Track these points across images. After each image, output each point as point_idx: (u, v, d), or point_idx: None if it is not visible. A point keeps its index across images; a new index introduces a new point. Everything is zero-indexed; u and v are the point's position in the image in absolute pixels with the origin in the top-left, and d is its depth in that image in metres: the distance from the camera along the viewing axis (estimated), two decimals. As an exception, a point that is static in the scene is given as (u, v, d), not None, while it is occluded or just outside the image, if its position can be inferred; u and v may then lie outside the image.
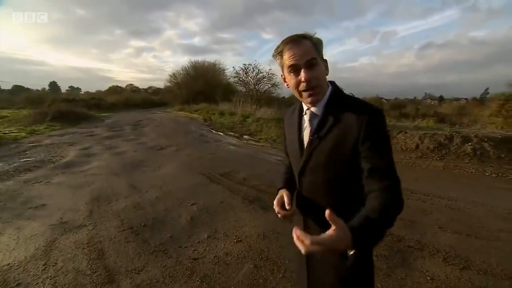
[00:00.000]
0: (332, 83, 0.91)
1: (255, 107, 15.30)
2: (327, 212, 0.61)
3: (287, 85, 0.89)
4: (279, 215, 0.95)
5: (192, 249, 2.40)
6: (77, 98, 24.09)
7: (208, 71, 26.69)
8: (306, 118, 0.91)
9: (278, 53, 0.86)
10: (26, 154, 6.24)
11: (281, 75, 0.92)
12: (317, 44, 0.84)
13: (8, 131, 9.63)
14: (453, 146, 5.30)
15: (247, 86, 19.67)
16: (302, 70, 0.80)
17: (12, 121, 13.08)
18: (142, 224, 2.83)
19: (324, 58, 0.87)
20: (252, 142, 8.04)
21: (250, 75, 19.16)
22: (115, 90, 40.09)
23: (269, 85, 19.31)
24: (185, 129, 10.72)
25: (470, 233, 2.58)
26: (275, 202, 0.97)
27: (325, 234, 0.61)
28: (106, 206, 3.31)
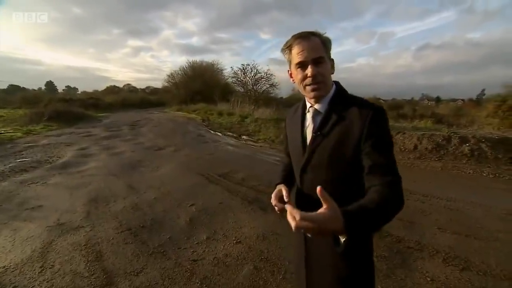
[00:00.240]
0: (337, 83, 0.92)
1: (253, 107, 15.31)
2: (318, 188, 0.60)
3: (293, 80, 0.91)
4: (276, 208, 0.96)
5: (191, 250, 2.38)
6: (74, 98, 23.92)
7: (206, 71, 26.65)
8: (309, 115, 0.92)
9: (287, 47, 0.87)
10: (22, 154, 6.17)
11: (288, 70, 0.93)
12: (325, 42, 0.85)
13: (4, 131, 9.53)
14: (451, 147, 5.33)
15: (245, 86, 19.67)
16: (309, 66, 0.82)
17: (8, 121, 12.95)
18: (141, 225, 2.80)
19: (331, 57, 0.88)
20: (251, 143, 8.03)
21: (248, 75, 19.17)
22: (112, 90, 39.84)
23: (267, 86, 19.33)
24: (183, 129, 10.68)
25: (469, 233, 2.59)
26: (272, 196, 0.97)
27: (316, 212, 0.60)
28: (104, 207, 3.27)
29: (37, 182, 4.21)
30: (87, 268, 2.12)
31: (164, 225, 2.83)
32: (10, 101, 24.55)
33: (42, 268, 2.11)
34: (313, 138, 0.88)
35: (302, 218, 0.57)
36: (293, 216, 0.59)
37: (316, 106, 0.89)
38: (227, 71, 26.08)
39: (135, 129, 10.73)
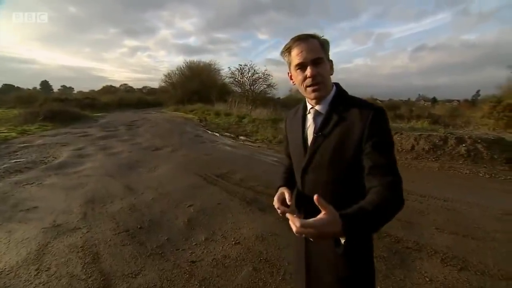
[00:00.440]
0: (337, 84, 0.92)
1: (250, 107, 15.30)
2: (315, 197, 0.62)
3: (293, 82, 0.92)
4: (279, 211, 0.96)
5: (190, 251, 2.36)
6: (69, 98, 23.71)
7: (204, 71, 26.58)
8: (310, 116, 0.93)
9: (287, 49, 0.88)
10: (17, 154, 6.10)
11: (288, 73, 0.94)
12: (324, 44, 0.87)
13: (-2, 131, 9.40)
14: (448, 147, 5.37)
15: (242, 87, 19.67)
16: (308, 66, 0.83)
17: (2, 120, 12.78)
18: (138, 227, 2.78)
19: (330, 59, 0.89)
20: (248, 143, 8.02)
21: (246, 76, 19.17)
22: (109, 90, 39.60)
23: (265, 86, 19.35)
24: (181, 130, 10.64)
25: (467, 234, 2.61)
26: (275, 199, 0.97)
27: (315, 218, 0.62)
28: (101, 208, 3.24)
29: (32, 183, 4.16)
30: (84, 270, 2.09)
31: (162, 226, 2.81)
32: (4, 101, 24.26)
33: (38, 271, 2.07)
34: (314, 139, 0.88)
35: (302, 226, 0.61)
36: (294, 224, 0.62)
37: (317, 107, 0.89)
38: (225, 71, 26.04)
39: (132, 129, 10.66)
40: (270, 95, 19.97)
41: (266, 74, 18.96)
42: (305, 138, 0.93)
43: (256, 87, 19.35)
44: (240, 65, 19.41)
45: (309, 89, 0.86)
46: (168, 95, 26.55)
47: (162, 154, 6.33)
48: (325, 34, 0.88)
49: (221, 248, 2.42)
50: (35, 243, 2.46)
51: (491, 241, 2.48)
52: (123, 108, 24.13)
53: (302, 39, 0.85)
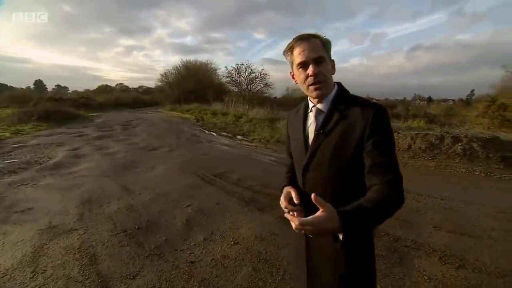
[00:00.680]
0: (339, 83, 0.93)
1: (247, 107, 15.27)
2: (312, 196, 0.67)
3: (295, 81, 0.93)
4: (286, 210, 0.94)
5: (189, 252, 2.34)
6: (64, 97, 23.47)
7: (200, 70, 26.43)
8: (311, 115, 0.93)
9: (289, 49, 0.89)
10: (10, 155, 6.00)
11: (290, 72, 0.95)
12: (325, 44, 0.88)
13: (-9, 131, 9.25)
14: (444, 146, 5.42)
15: (239, 86, 19.66)
16: (310, 65, 0.84)
17: (-5, 120, 12.57)
18: (136, 227, 2.75)
19: (332, 58, 0.90)
20: (246, 143, 8.01)
21: (243, 75, 19.16)
22: (104, 89, 39.18)
23: (262, 85, 19.37)
24: (177, 129, 10.58)
25: (464, 232, 2.63)
26: (282, 198, 0.96)
27: (313, 215, 0.67)
28: (98, 209, 3.20)
29: (26, 184, 4.09)
30: (81, 272, 2.06)
31: (160, 226, 2.79)
32: (-3, 100, 23.86)
33: (34, 273, 2.04)
34: (315, 137, 0.89)
35: (300, 223, 0.66)
36: (293, 222, 0.68)
37: (319, 105, 0.90)
38: (221, 71, 25.90)
39: (128, 129, 10.57)
40: (267, 94, 20.03)
41: (263, 74, 19.02)
42: (306, 137, 0.94)
43: (253, 87, 19.38)
44: (237, 64, 19.44)
45: (311, 87, 0.86)
46: (165, 94, 26.37)
47: (159, 154, 6.28)
48: (322, 34, 0.89)
49: (220, 248, 2.40)
50: (30, 245, 2.42)
51: (488, 239, 2.51)
52: (119, 107, 23.92)
53: (304, 39, 0.85)
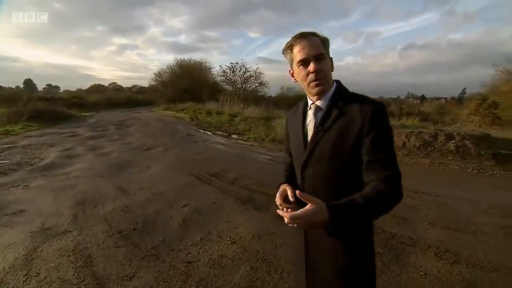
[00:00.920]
0: (337, 81, 0.94)
1: (242, 106, 15.23)
2: (297, 192, 0.72)
3: (295, 79, 0.94)
4: (280, 207, 0.94)
5: (186, 252, 2.32)
6: (55, 97, 23.00)
7: (194, 69, 26.21)
8: (310, 112, 0.94)
9: (289, 47, 0.90)
10: (0, 156, 5.85)
11: (289, 70, 0.96)
12: (325, 42, 0.90)
13: (-20, 131, 9.01)
14: (438, 144, 5.50)
15: (234, 85, 19.62)
16: (311, 62, 0.85)
17: (-16, 121, 12.25)
18: (132, 228, 2.71)
19: (330, 56, 0.92)
20: (241, 142, 8.00)
21: (237, 74, 19.11)
22: (97, 88, 38.48)
23: (256, 84, 19.36)
24: (172, 129, 10.49)
25: (458, 228, 2.68)
26: (277, 195, 0.96)
27: (302, 209, 0.70)
28: (92, 210, 3.15)
29: (17, 185, 4.00)
30: (76, 274, 2.02)
31: (156, 227, 2.76)
32: (-15, 100, 23.25)
33: (27, 277, 1.99)
34: (314, 133, 0.90)
35: (291, 217, 0.70)
36: (285, 218, 0.71)
37: (318, 102, 0.91)
38: (216, 70, 25.68)
39: (122, 129, 10.43)
40: (262, 93, 20.03)
41: (258, 73, 19.01)
42: (305, 134, 0.94)
43: (248, 86, 19.36)
44: (231, 63, 19.38)
45: (312, 84, 0.87)
46: (159, 94, 26.05)
47: (154, 153, 6.22)
48: (320, 33, 0.90)
49: (217, 248, 2.39)
50: (22, 248, 2.36)
51: (481, 234, 2.56)
52: (112, 107, 23.57)
53: (303, 36, 0.87)
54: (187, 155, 5.96)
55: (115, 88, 43.59)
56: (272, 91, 22.21)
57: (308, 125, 0.94)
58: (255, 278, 1.99)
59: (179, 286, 1.91)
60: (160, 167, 4.98)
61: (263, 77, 19.26)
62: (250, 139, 8.24)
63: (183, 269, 2.09)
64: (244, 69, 19.03)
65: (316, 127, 0.89)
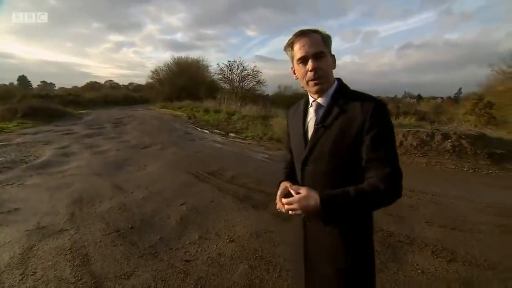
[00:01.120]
0: (339, 79, 0.94)
1: (240, 104, 15.18)
2: (288, 185, 0.85)
3: (296, 76, 0.94)
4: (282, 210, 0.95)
5: (184, 250, 2.32)
6: (51, 94, 22.68)
7: (192, 67, 25.99)
8: (311, 109, 0.94)
9: (289, 44, 0.90)
10: (-5, 154, 5.77)
11: (291, 67, 0.95)
12: (326, 39, 0.89)
13: (-27, 129, 8.87)
14: (434, 143, 5.54)
15: (231, 83, 19.55)
16: (310, 60, 0.85)
17: (-23, 118, 12.06)
18: (129, 226, 2.70)
19: (332, 53, 0.91)
20: (239, 140, 7.98)
21: (235, 72, 19.05)
22: (93, 86, 38.14)
23: (254, 83, 19.31)
24: (169, 127, 10.43)
25: (454, 226, 2.70)
26: (278, 194, 0.95)
27: (296, 195, 0.80)
28: (89, 208, 3.12)
29: (12, 184, 3.94)
30: (73, 273, 2.00)
31: (154, 225, 2.74)
32: (-22, 97, 22.89)
33: (23, 276, 1.97)
34: (315, 130, 0.89)
35: (287, 203, 0.81)
36: (281, 205, 0.85)
37: (319, 100, 0.91)
38: (213, 68, 25.52)
39: (118, 127, 10.34)
40: (259, 92, 19.98)
41: (255, 71, 18.96)
42: (306, 131, 0.95)
43: (245, 84, 19.31)
44: (229, 61, 19.31)
45: (310, 82, 0.87)
46: (155, 91, 25.81)
47: (151, 152, 6.18)
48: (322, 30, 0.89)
49: (215, 246, 2.39)
50: (18, 247, 2.34)
51: (477, 233, 2.58)
52: (109, 105, 23.35)
53: (304, 34, 0.86)
54: (185, 154, 5.93)
55: (112, 85, 43.19)
56: (269, 89, 22.18)
57: (309, 122, 0.94)
58: (253, 277, 1.99)
59: (177, 284, 1.90)
60: (157, 165, 4.95)
61: (261, 75, 19.24)
62: (247, 138, 8.23)
63: (181, 267, 2.08)
64: (242, 68, 18.99)
65: (316, 124, 0.89)
